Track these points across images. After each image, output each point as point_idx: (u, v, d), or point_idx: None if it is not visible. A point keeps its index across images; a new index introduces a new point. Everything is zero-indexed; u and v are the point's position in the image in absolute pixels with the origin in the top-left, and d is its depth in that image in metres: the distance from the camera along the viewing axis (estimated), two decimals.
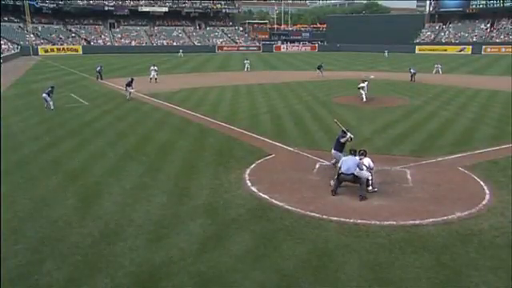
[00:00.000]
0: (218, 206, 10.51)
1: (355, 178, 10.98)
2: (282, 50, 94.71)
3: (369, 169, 11.29)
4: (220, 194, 11.26)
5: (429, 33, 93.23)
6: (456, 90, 31.20)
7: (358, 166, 11.01)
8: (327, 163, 13.52)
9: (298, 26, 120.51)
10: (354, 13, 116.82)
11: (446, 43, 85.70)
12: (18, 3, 78.24)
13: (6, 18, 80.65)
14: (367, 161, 11.42)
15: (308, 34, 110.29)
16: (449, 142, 16.59)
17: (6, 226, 9.41)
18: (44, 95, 23.61)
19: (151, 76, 35.32)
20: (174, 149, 15.61)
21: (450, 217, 9.87)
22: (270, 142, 16.56)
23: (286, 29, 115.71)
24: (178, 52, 72.10)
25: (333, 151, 12.68)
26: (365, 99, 25.59)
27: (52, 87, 24.33)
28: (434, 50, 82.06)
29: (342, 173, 11.10)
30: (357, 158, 11.24)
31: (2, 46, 67.19)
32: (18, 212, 10.14)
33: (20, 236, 8.97)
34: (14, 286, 7.30)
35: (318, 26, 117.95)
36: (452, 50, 79.99)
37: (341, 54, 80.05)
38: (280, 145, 16.09)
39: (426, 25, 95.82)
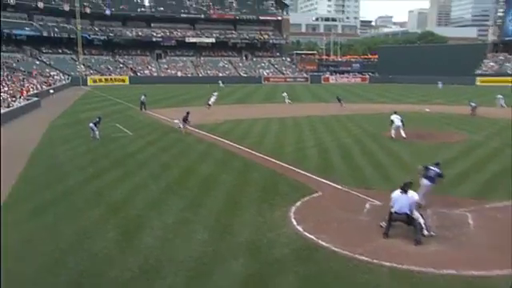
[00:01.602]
0: (262, 245, 10.41)
1: (409, 219, 10.56)
2: (331, 81, 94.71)
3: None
4: (263, 232, 11.18)
5: (492, 63, 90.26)
6: None
7: (411, 204, 10.60)
8: (378, 203, 13.15)
9: (348, 56, 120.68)
10: (408, 43, 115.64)
11: None
12: (72, 36, 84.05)
13: (60, 50, 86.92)
14: (410, 194, 10.86)
15: (358, 65, 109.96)
16: None
17: (48, 257, 9.78)
18: (91, 125, 24.84)
19: (210, 102, 37.08)
20: (216, 183, 15.76)
21: None
22: (317, 178, 16.35)
23: (335, 59, 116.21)
24: (218, 83, 73.88)
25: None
26: (403, 135, 24.04)
27: (99, 118, 25.57)
28: (497, 81, 79.03)
29: (394, 212, 10.73)
30: (410, 195, 10.80)
31: (55, 77, 72.05)
32: (61, 243, 10.52)
33: (61, 267, 9.27)
34: None
35: (369, 56, 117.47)
36: None
37: (393, 85, 78.98)
38: (327, 182, 15.83)
39: (489, 55, 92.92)
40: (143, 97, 39.46)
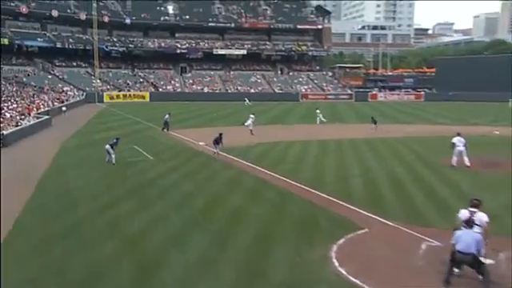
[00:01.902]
0: None
1: (475, 262, 10.02)
2: (379, 98, 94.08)
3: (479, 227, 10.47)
4: (300, 275, 11.10)
5: None
6: None
7: (478, 242, 10.05)
8: (436, 243, 12.81)
9: (400, 70, 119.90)
10: (473, 53, 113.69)
11: None
12: (88, 47, 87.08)
13: (74, 63, 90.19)
14: (479, 216, 10.65)
15: (412, 80, 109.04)
16: None
17: None
18: (107, 147, 25.27)
19: (250, 127, 37.46)
20: (246, 216, 15.79)
21: None
22: (363, 212, 16.15)
23: (384, 74, 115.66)
24: (244, 100, 74.61)
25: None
26: (467, 163, 23.55)
27: (117, 139, 26.01)
28: None
29: (458, 251, 10.09)
30: (476, 232, 10.31)
31: (68, 93, 74.67)
32: (69, 284, 10.72)
33: None
34: None
35: (425, 70, 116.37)
36: None
37: (454, 104, 77.68)
38: (375, 217, 15.61)
39: None
40: (167, 116, 40.08)
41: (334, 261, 11.90)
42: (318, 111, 48.35)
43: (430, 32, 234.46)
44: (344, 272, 11.18)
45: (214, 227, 14.63)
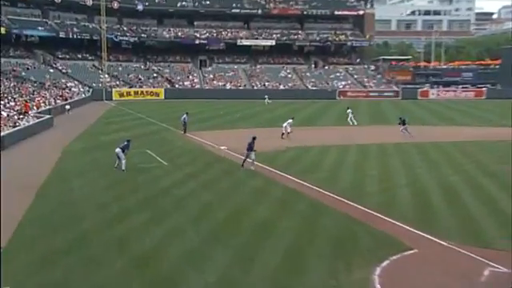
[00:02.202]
0: None
1: None
2: (431, 96, 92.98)
3: None
4: None
5: None
6: None
7: None
8: (503, 269, 12.58)
9: (457, 62, 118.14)
10: None
11: None
12: (94, 37, 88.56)
13: (79, 55, 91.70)
14: None
15: (471, 74, 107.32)
16: None
17: None
18: (117, 150, 25.46)
19: (288, 130, 37.05)
20: (274, 231, 15.80)
21: None
22: (411, 229, 16.01)
23: (437, 67, 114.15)
24: (264, 98, 74.61)
25: None
26: None
27: (128, 141, 26.21)
28: None
29: None
30: None
31: (73, 89, 76.03)
32: None
33: None
34: None
35: (488, 62, 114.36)
36: None
37: None
38: (426, 235, 15.47)
39: None
40: (185, 116, 40.34)
41: (378, 286, 11.85)
42: (348, 111, 48.06)
43: (494, 17, 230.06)
44: None
45: (236, 243, 14.70)
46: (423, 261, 13.58)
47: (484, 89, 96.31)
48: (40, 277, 12.38)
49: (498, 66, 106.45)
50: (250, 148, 25.66)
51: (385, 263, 13.21)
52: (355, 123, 46.76)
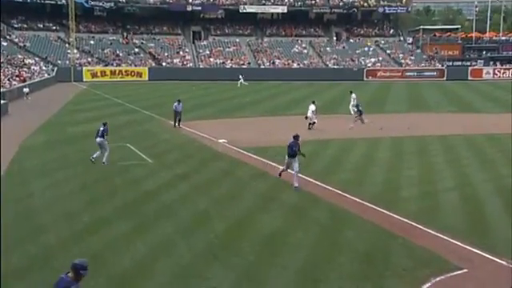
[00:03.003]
0: None
1: None
2: (485, 76, 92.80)
3: None
4: None
5: None
6: None
7: None
8: None
9: None
10: None
11: None
12: (59, 2, 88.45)
13: (40, 25, 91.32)
14: None
15: None
16: None
17: None
18: (98, 140, 26.05)
19: (311, 120, 37.09)
20: (286, 246, 15.80)
21: None
22: (460, 244, 16.00)
23: (494, 39, 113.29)
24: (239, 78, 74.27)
25: None
26: None
27: (104, 124, 26.66)
28: None
29: None
30: None
31: (32, 67, 75.82)
32: None
33: None
34: None
35: None
36: None
37: None
38: (478, 251, 15.46)
39: None
40: (176, 104, 38.90)
41: None
42: (353, 96, 47.13)
43: None
44: None
45: (240, 262, 14.68)
46: (475, 282, 13.65)
47: None
48: None
49: None
50: (293, 153, 22.39)
51: (427, 286, 13.23)
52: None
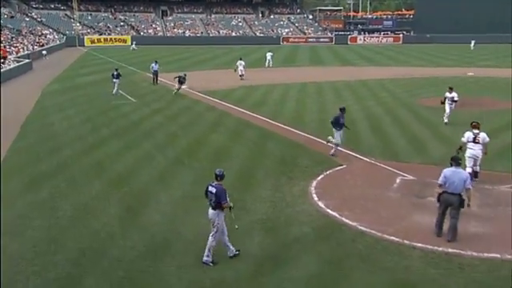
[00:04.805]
0: (279, 223, 10.56)
1: (461, 203, 9.58)
2: (359, 41, 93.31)
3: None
4: (281, 209, 11.33)
5: None
6: None
7: (466, 181, 9.56)
8: (410, 177, 13.15)
9: (379, 12, 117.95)
10: None
11: None
12: None
13: (52, 6, 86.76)
14: (482, 136, 12.66)
15: (391, 23, 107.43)
16: None
17: (45, 233, 10.08)
18: (114, 80, 28.53)
19: (240, 72, 35.71)
20: (229, 155, 15.91)
21: None
22: (342, 150, 16.33)
23: (364, 16, 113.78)
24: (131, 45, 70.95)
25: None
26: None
27: (116, 69, 29.15)
28: None
29: (446, 192, 9.64)
30: (463, 171, 9.99)
31: (48, 36, 72.21)
32: (59, 219, 10.82)
33: (60, 246, 9.54)
34: None
35: (404, 12, 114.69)
36: None
37: (432, 46, 77.39)
38: (353, 154, 15.90)
39: None
40: (153, 64, 33.75)
41: (314, 196, 12.13)
42: (269, 53, 46.64)
43: None
44: (323, 206, 11.44)
45: (198, 166, 14.74)
46: (351, 174, 13.98)
47: (401, 35, 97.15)
48: (29, 197, 12.17)
49: (412, 16, 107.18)
50: (341, 125, 15.72)
51: (320, 177, 13.55)
52: (271, 65, 45.71)
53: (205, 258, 8.78)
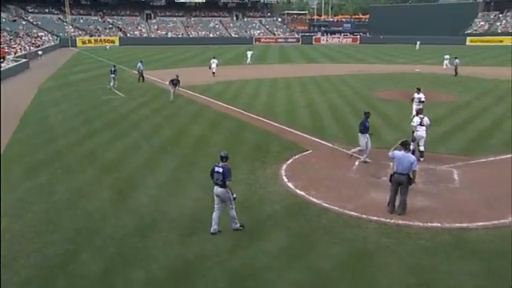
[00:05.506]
0: (253, 202, 10.56)
1: (409, 181, 9.76)
2: (322, 42, 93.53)
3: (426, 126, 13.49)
4: (255, 190, 11.32)
5: (482, 22, 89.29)
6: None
7: (413, 164, 9.65)
8: (368, 160, 13.31)
9: (340, 16, 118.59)
10: (400, 2, 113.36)
11: (503, 33, 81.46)
12: None
13: (46, 10, 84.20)
14: (426, 120, 13.58)
15: (350, 25, 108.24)
16: (503, 140, 15.89)
17: (44, 215, 9.85)
18: (112, 75, 28.50)
19: (213, 70, 34.96)
20: (209, 143, 15.78)
21: (501, 221, 9.48)
22: (308, 137, 16.46)
23: (326, 19, 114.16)
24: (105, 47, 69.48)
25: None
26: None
27: (114, 66, 28.84)
28: (487, 41, 78.60)
29: (396, 172, 9.74)
30: (411, 155, 9.95)
31: (43, 38, 70.13)
32: (56, 202, 10.58)
33: (57, 226, 9.35)
34: (53, 274, 7.63)
35: (361, 16, 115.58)
36: (509, 41, 75.51)
37: (385, 46, 78.20)
38: (318, 140, 15.98)
39: (480, 14, 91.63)
40: (139, 64, 32.17)
41: (284, 177, 12.16)
42: (249, 52, 46.66)
43: None
44: (292, 186, 11.49)
45: (181, 153, 14.61)
46: (316, 158, 14.05)
47: (358, 36, 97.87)
48: (28, 183, 11.87)
49: (367, 20, 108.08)
50: (366, 129, 13.32)
51: (289, 161, 13.59)
52: (250, 63, 45.62)
53: (234, 226, 9.08)
